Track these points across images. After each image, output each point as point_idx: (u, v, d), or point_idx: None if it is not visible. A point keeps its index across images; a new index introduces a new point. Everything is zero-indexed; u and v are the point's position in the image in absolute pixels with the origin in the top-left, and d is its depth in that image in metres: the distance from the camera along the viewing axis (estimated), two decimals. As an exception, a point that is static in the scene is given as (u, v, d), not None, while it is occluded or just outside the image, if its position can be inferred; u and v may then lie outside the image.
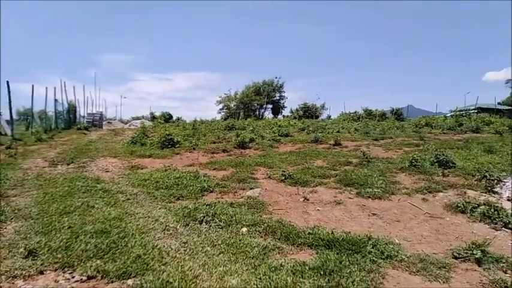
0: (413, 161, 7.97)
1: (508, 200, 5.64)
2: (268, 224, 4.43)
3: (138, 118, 38.27)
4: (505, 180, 6.72)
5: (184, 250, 3.65)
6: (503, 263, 3.46)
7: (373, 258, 3.49)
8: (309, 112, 39.59)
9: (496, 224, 4.58)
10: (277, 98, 48.73)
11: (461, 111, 31.94)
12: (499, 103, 44.26)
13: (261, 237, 4.15)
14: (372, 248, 3.68)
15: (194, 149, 11.85)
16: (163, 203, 5.53)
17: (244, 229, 4.31)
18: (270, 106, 48.43)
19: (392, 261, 3.49)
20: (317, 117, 38.90)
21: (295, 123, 25.37)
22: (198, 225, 4.43)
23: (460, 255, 3.59)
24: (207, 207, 5.07)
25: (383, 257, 3.54)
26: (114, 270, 3.11)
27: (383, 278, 3.15)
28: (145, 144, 12.96)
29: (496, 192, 6.05)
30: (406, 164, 8.05)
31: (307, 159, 9.73)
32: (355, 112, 34.41)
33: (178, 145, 12.46)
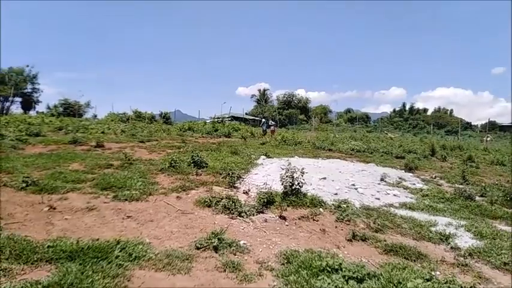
0: (172, 162, 8.42)
1: (244, 193, 6.85)
2: (-8, 244, 3.52)
3: None
4: (243, 177, 8.17)
5: None
6: (234, 246, 4.10)
7: (120, 262, 3.36)
8: (70, 110, 35.38)
9: (233, 213, 5.41)
10: (29, 90, 40.87)
11: (218, 118, 37.08)
12: (246, 113, 54.45)
13: (-19, 261, 3.25)
14: (120, 251, 3.55)
15: None
16: None
17: (-48, 256, 3.25)
18: (19, 99, 39.96)
19: (140, 261, 3.47)
20: (80, 115, 35.30)
21: (51, 121, 21.99)
22: None
23: (202, 245, 4.01)
24: None
25: (131, 259, 3.48)
26: None
27: (128, 281, 3.09)
28: None
29: (236, 187, 7.23)
30: (166, 165, 8.40)
31: (61, 162, 8.55)
32: (124, 113, 33.53)
33: None
